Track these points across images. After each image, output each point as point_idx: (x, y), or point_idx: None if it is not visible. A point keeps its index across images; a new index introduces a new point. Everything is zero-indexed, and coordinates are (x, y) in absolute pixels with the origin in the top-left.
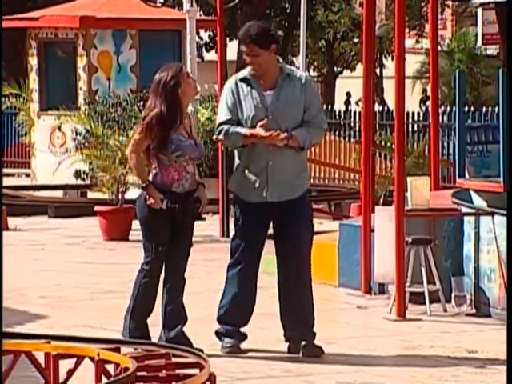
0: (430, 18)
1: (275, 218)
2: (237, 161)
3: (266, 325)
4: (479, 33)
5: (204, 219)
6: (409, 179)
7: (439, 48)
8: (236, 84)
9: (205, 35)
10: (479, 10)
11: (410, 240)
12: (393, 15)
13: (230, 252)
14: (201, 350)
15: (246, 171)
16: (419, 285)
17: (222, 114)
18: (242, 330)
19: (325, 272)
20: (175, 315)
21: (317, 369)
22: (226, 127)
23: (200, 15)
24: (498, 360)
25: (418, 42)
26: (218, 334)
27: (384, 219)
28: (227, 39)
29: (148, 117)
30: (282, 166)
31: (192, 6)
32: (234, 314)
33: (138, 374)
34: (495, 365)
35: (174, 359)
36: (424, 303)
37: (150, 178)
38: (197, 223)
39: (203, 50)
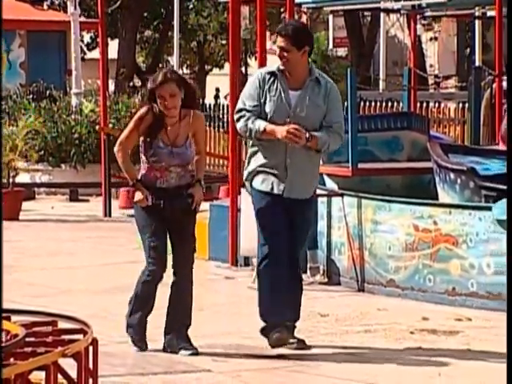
0: None
1: (287, 212)
2: (251, 154)
3: None
4: (330, 37)
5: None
6: None
7: None
8: (264, 76)
9: (86, 36)
10: (330, 17)
11: None
12: (255, 20)
13: (261, 249)
14: (196, 350)
15: (264, 165)
16: None
17: (246, 101)
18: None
19: (197, 247)
20: (178, 317)
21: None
22: (248, 115)
23: (85, 17)
24: (345, 322)
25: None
26: (264, 330)
27: (249, 200)
28: (108, 39)
29: (132, 119)
30: (299, 166)
31: (76, 9)
32: (281, 310)
33: (27, 339)
34: (343, 326)
35: (59, 326)
36: None
37: (139, 176)
38: (81, 204)
39: (85, 49)
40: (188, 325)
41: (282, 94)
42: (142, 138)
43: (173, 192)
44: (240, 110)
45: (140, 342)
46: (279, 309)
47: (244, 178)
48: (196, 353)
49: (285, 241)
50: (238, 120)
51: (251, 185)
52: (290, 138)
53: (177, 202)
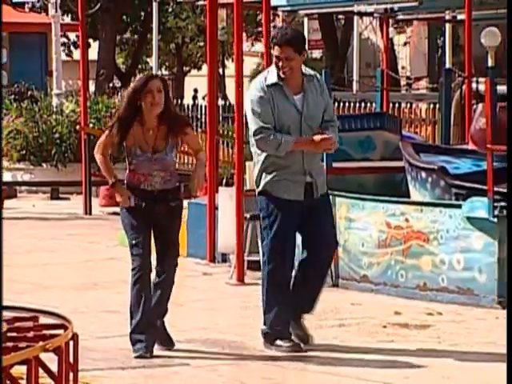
0: (264, 25)
1: (305, 214)
2: (265, 166)
3: (125, 289)
4: (306, 39)
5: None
6: (247, 164)
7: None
8: (267, 89)
9: (72, 35)
10: (305, 20)
11: (248, 216)
12: (232, 22)
13: (269, 253)
14: (173, 343)
15: (283, 173)
16: (256, 254)
17: (261, 120)
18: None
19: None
20: (156, 313)
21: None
22: (272, 133)
23: (63, 20)
24: (320, 316)
25: (253, 45)
26: (266, 335)
27: (226, 198)
28: (91, 40)
29: (110, 123)
30: (315, 168)
31: (56, 11)
32: (286, 320)
33: (9, 334)
34: (318, 321)
35: (40, 321)
36: (260, 270)
37: (125, 177)
38: (61, 202)
39: (72, 48)
40: (164, 315)
41: (290, 102)
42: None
43: (157, 195)
44: (261, 130)
45: (147, 351)
46: (286, 319)
47: (260, 189)
48: (172, 346)
49: (293, 250)
50: (262, 139)
51: (268, 193)
52: (325, 147)
53: (161, 205)
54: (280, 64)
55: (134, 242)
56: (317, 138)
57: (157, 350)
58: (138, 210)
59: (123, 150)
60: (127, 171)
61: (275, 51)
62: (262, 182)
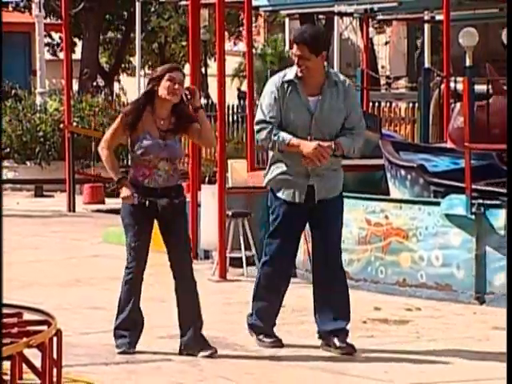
0: (246, 25)
1: (311, 217)
2: (274, 161)
3: (109, 286)
4: (287, 39)
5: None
6: (229, 162)
7: (254, 51)
8: (282, 85)
9: (55, 36)
10: (286, 20)
11: (230, 213)
12: (214, 22)
13: (265, 247)
14: (215, 349)
15: (286, 172)
16: (238, 251)
17: (266, 113)
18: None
19: (157, 241)
20: (188, 319)
21: (145, 324)
22: (270, 127)
23: (49, 19)
24: (301, 312)
25: (235, 44)
26: (252, 327)
27: (209, 196)
28: (76, 40)
29: (121, 114)
30: (321, 173)
31: (40, 11)
32: (271, 316)
33: None
34: (300, 316)
35: (24, 317)
36: (242, 266)
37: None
38: (45, 200)
39: (56, 49)
40: (200, 325)
41: (303, 102)
42: (129, 134)
43: (161, 193)
44: (261, 122)
45: (130, 347)
46: (270, 314)
47: (265, 182)
48: (215, 352)
49: (292, 250)
50: (260, 131)
51: (272, 189)
52: (314, 157)
53: (164, 202)
54: (296, 62)
55: (132, 244)
56: (311, 144)
57: (140, 346)
58: (141, 208)
59: (129, 142)
60: (131, 168)
61: (293, 49)
62: (268, 177)
